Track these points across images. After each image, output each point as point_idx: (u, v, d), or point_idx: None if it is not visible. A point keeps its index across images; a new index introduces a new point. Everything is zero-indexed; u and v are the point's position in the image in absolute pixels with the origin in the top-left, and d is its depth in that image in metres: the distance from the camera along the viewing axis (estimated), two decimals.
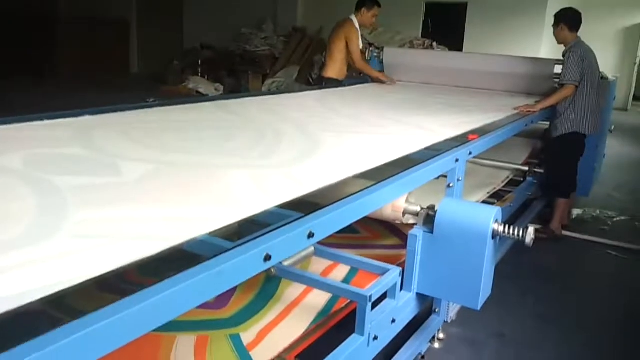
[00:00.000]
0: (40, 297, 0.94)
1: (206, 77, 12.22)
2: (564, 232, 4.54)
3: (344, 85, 5.15)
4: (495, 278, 3.55)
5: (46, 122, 2.55)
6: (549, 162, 4.44)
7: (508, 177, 3.90)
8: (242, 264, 1.30)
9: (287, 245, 1.45)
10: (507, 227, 2.17)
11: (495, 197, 3.64)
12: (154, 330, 1.72)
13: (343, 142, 2.65)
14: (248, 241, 1.36)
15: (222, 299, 2.04)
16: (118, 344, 0.97)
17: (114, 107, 2.96)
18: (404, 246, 2.33)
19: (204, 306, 1.95)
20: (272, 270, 2.07)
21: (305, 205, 1.65)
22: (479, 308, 2.24)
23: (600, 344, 2.98)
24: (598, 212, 5.15)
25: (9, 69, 11.40)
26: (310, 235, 1.53)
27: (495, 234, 2.18)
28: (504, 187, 3.87)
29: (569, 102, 4.15)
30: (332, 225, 1.64)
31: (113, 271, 1.11)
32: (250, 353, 1.70)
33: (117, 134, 2.45)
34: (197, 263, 1.21)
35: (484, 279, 2.18)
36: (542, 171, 4.28)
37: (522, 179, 4.18)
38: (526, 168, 4.19)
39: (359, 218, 1.81)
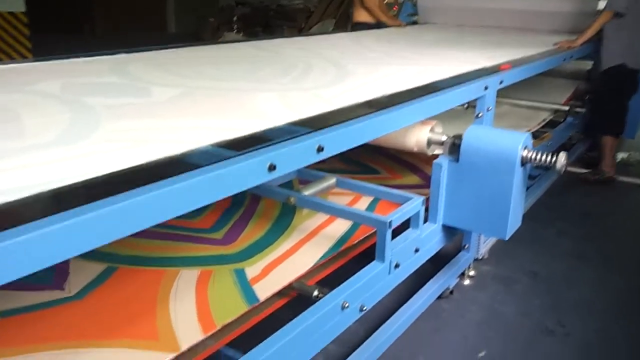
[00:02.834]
0: (70, 183, 1.06)
1: (241, 33, 12.14)
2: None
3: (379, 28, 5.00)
4: (532, 219, 3.49)
5: (83, 59, 2.58)
6: (596, 100, 4.22)
7: (544, 120, 3.72)
8: (244, 171, 1.27)
9: (294, 156, 1.41)
10: (537, 153, 2.07)
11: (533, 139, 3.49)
12: (158, 266, 1.76)
13: (374, 71, 2.58)
14: (253, 151, 1.33)
15: (231, 235, 2.00)
16: (128, 231, 1.05)
17: (149, 47, 2.96)
18: (427, 185, 2.25)
19: (211, 242, 1.95)
20: (291, 199, 2.04)
21: (321, 121, 1.61)
22: (507, 238, 2.16)
23: (637, 286, 2.86)
24: None
25: (48, 27, 11.59)
26: (320, 149, 1.48)
27: (524, 161, 2.08)
28: (542, 128, 3.71)
29: (615, 32, 3.90)
30: (343, 141, 1.58)
31: (127, 169, 1.17)
32: (253, 287, 1.66)
33: (151, 66, 2.47)
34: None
35: (512, 208, 2.09)
36: (583, 111, 4.08)
37: (562, 121, 4.00)
38: (566, 108, 3.99)
39: (373, 138, 1.74)
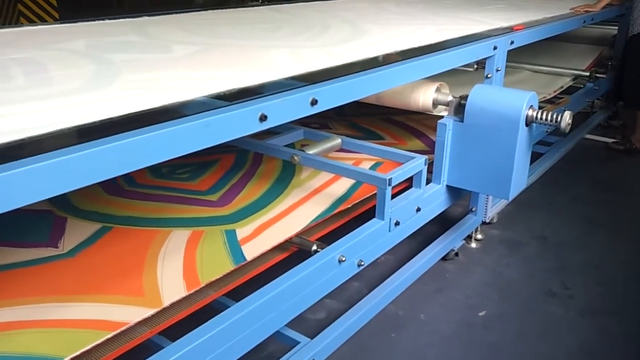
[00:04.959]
0: (92, 121, 1.16)
1: (266, 2, 12.05)
2: None
3: None
4: (547, 185, 3.46)
5: (107, 21, 2.65)
6: (620, 67, 4.11)
7: (562, 87, 3.64)
8: (235, 120, 1.29)
9: (287, 108, 1.42)
10: (542, 112, 2.05)
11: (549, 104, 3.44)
12: (152, 226, 1.82)
13: (389, 30, 2.58)
14: (244, 101, 1.35)
15: (227, 197, 2.04)
16: (117, 172, 1.09)
17: (171, 11, 3.02)
18: (432, 151, 2.25)
19: (206, 203, 1.99)
20: (295, 157, 2.06)
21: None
22: (510, 199, 2.16)
23: None
24: None
25: (78, 1, 11.68)
26: (314, 102, 1.50)
27: (529, 121, 2.06)
28: (562, 94, 3.64)
29: None
30: (338, 95, 1.59)
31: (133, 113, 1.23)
32: (242, 247, 1.70)
33: (172, 27, 2.53)
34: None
35: (515, 168, 2.08)
36: (605, 77, 3.98)
37: (582, 87, 3.92)
38: (587, 74, 3.89)
39: (369, 94, 1.74)
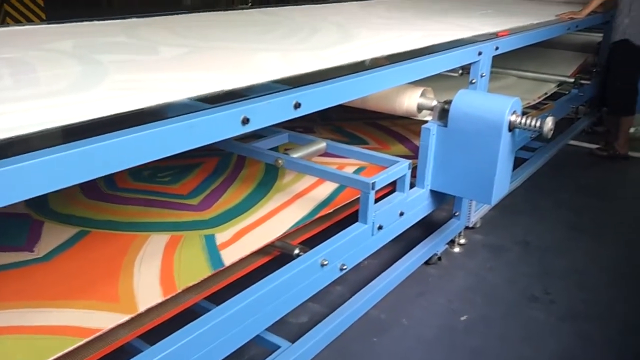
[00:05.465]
0: (72, 122, 1.16)
1: (256, 5, 12.02)
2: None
3: None
4: (530, 190, 3.48)
5: (95, 22, 2.64)
6: (604, 74, 4.16)
7: (546, 93, 3.67)
8: (218, 123, 1.29)
9: (270, 111, 1.42)
10: (525, 118, 2.06)
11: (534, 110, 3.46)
12: (130, 230, 1.80)
13: (377, 34, 2.60)
14: (227, 104, 1.34)
15: (207, 201, 2.02)
16: (97, 173, 1.09)
17: (160, 13, 3.00)
18: (415, 156, 2.26)
19: (186, 207, 1.97)
20: (280, 161, 2.05)
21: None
22: (492, 204, 2.17)
23: (629, 258, 2.86)
24: None
25: (65, 1, 11.60)
26: (297, 106, 1.49)
27: (512, 126, 2.07)
28: (547, 100, 3.67)
29: (627, 5, 3.81)
30: (322, 99, 1.59)
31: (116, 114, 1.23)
32: (221, 252, 1.68)
33: (161, 29, 2.52)
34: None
35: (498, 173, 2.09)
36: (589, 83, 4.02)
37: (566, 93, 3.95)
38: (571, 80, 3.93)
39: (353, 98, 1.74)
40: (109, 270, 1.58)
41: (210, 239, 1.76)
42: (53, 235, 1.75)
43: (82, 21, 2.60)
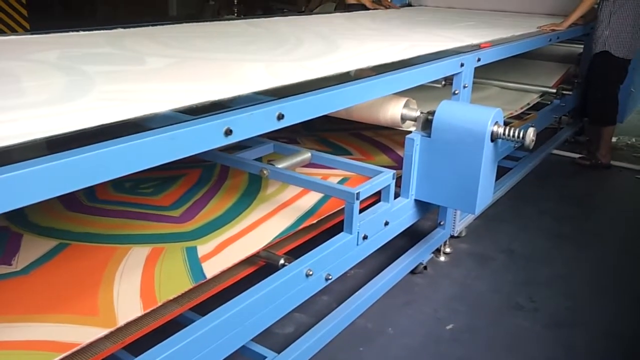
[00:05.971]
0: (63, 132, 1.16)
1: (242, 16, 12.07)
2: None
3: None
4: (515, 199, 3.52)
5: (81, 32, 2.64)
6: (585, 84, 4.23)
7: (528, 104, 3.72)
8: (200, 134, 1.30)
9: (253, 122, 1.43)
10: (507, 129, 2.09)
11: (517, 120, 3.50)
12: (111, 243, 1.79)
13: (362, 45, 2.63)
14: (210, 115, 1.35)
15: (189, 213, 2.02)
16: (79, 185, 1.08)
17: (146, 23, 3.00)
18: (399, 167, 2.28)
19: (168, 219, 1.96)
20: (265, 171, 2.06)
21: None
22: (476, 213, 2.20)
23: (613, 266, 2.89)
24: (633, 140, 4.91)
25: (49, 11, 11.56)
26: (280, 117, 1.50)
27: (495, 137, 2.10)
28: (530, 111, 3.72)
29: (607, 17, 3.88)
30: (305, 110, 1.60)
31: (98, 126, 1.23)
32: (203, 264, 1.67)
33: (147, 39, 2.52)
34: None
35: (481, 182, 2.12)
36: (571, 93, 4.08)
37: (549, 103, 4.01)
38: (554, 90, 3.99)
39: (336, 109, 1.76)
40: (89, 284, 1.56)
41: (191, 251, 1.74)
42: (32, 248, 1.73)
43: (67, 31, 2.60)
